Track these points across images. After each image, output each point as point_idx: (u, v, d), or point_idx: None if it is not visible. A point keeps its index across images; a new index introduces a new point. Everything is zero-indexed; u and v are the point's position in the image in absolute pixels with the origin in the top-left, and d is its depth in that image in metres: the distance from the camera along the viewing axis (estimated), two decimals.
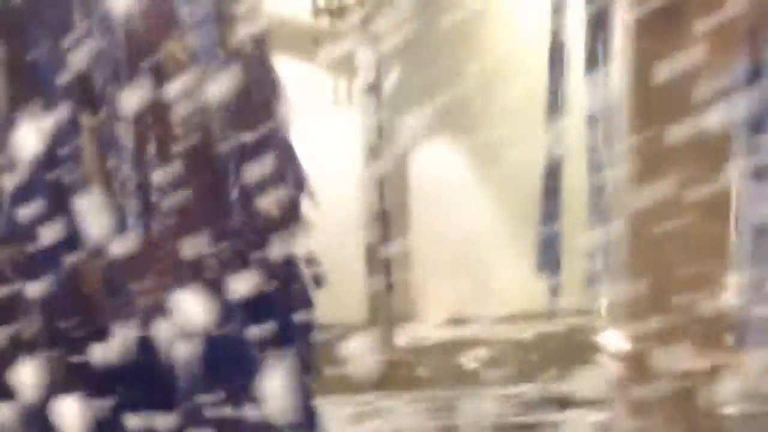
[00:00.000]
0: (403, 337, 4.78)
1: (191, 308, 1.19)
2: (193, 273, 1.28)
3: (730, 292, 1.33)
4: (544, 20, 3.58)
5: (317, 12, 4.39)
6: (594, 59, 3.14)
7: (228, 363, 1.15)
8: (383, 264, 4.43)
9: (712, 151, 1.31)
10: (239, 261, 1.36)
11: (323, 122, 4.53)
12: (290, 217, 1.53)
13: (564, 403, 3.45)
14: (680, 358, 1.37)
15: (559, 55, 3.46)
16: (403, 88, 4.38)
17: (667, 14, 1.23)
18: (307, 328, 1.50)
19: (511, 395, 3.57)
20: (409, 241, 4.78)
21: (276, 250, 1.46)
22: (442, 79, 4.16)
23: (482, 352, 4.26)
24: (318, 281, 1.58)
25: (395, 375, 4.07)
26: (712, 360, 1.33)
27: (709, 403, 1.44)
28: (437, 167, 4.83)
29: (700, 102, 1.27)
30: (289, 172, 1.53)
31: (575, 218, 3.51)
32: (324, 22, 4.39)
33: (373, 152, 4.53)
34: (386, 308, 4.38)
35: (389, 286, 4.22)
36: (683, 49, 1.13)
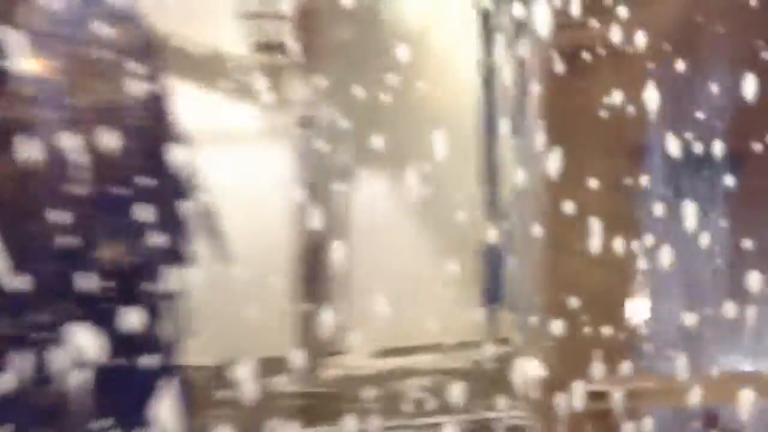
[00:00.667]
0: (332, 368, 4.76)
1: (82, 340, 1.21)
2: (82, 306, 1.31)
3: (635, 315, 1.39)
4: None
5: (252, 46, 4.42)
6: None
7: (118, 391, 1.18)
8: (311, 295, 4.42)
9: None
10: (124, 296, 1.40)
11: (257, 155, 4.53)
12: (170, 257, 1.59)
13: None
14: (592, 381, 1.41)
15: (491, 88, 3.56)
16: (337, 122, 4.42)
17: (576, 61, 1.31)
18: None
19: (443, 424, 3.58)
20: (340, 273, 4.78)
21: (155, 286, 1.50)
22: (378, 113, 4.22)
23: (417, 382, 4.27)
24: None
25: (320, 407, 4.04)
26: (622, 382, 1.38)
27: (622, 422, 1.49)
28: (370, 200, 4.87)
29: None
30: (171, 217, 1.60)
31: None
32: (258, 56, 4.41)
33: (307, 185, 4.55)
34: (312, 339, 4.36)
35: (317, 317, 4.21)
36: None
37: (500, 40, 3.33)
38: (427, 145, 4.45)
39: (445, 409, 3.77)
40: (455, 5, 4.31)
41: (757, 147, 1.61)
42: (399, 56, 4.39)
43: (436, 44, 4.81)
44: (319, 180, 4.55)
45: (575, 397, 1.52)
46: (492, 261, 3.80)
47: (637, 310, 1.43)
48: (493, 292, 3.76)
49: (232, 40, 4.51)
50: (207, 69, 4.43)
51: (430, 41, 4.96)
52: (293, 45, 4.33)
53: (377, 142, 4.33)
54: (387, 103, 4.13)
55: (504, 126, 3.39)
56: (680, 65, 1.40)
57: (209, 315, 1.89)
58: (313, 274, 4.47)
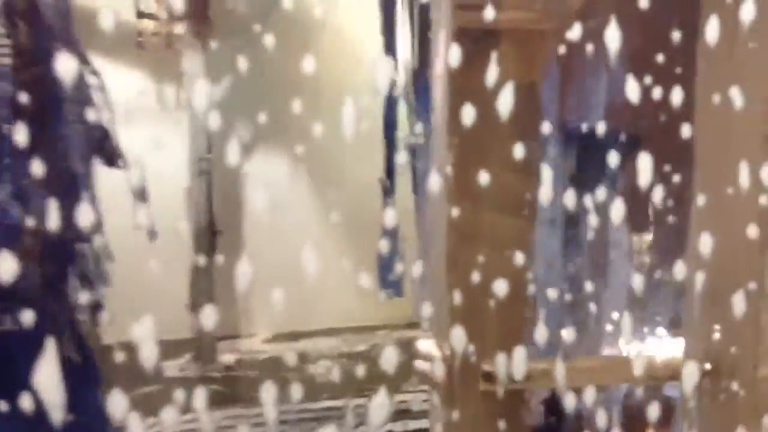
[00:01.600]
0: (229, 353, 4.66)
1: None
2: None
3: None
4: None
5: (141, 15, 4.22)
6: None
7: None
8: (208, 278, 4.30)
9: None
10: None
11: (149, 130, 4.35)
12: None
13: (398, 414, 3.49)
14: (493, 362, 1.39)
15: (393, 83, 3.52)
16: (234, 97, 4.29)
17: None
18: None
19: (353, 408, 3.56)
20: (236, 255, 4.66)
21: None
22: (277, 88, 4.12)
23: (315, 366, 4.23)
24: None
25: (216, 392, 3.95)
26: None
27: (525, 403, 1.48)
28: (269, 180, 4.77)
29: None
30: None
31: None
32: (150, 25, 4.22)
33: (202, 163, 4.41)
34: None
35: (212, 301, 4.09)
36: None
37: (402, 17, 3.29)
38: (330, 124, 4.40)
39: (344, 392, 3.76)
40: None
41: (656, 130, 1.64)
42: (300, 28, 4.30)
43: (340, 17, 4.73)
44: (214, 157, 4.41)
45: (473, 377, 1.51)
46: (392, 242, 3.79)
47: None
48: (394, 274, 3.75)
49: (124, 8, 4.31)
50: (99, 37, 4.21)
51: (333, 14, 4.89)
52: (189, 13, 4.16)
53: (276, 118, 4.23)
54: (286, 79, 4.03)
55: (405, 107, 3.36)
56: (585, 46, 1.39)
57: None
58: (208, 257, 4.34)
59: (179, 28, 4.16)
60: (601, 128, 1.87)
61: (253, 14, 4.00)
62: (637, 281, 1.44)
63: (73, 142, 1.71)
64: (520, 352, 1.24)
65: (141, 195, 1.97)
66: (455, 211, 1.40)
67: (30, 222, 1.54)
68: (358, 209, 3.98)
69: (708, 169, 1.44)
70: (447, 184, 1.40)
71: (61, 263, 1.72)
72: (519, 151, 1.28)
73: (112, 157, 1.87)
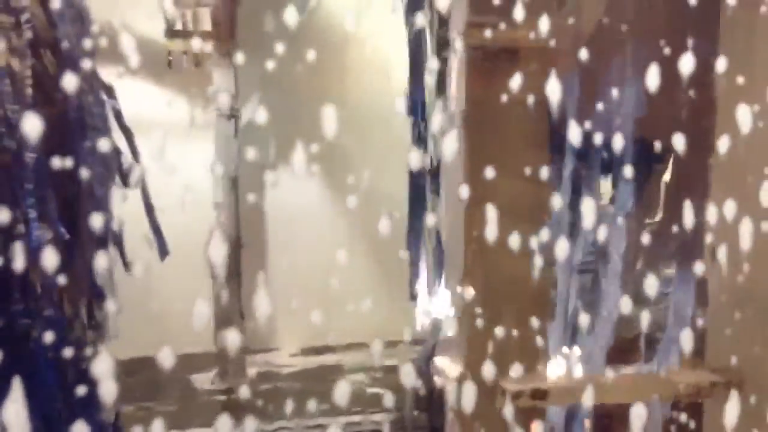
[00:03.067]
0: (256, 366, 4.69)
1: None
2: None
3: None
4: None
5: (171, 34, 4.29)
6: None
7: None
8: (236, 292, 4.33)
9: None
10: None
11: (177, 147, 4.41)
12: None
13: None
14: (510, 380, 1.40)
15: (421, 96, 3.55)
16: (262, 116, 4.34)
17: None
18: None
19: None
20: (264, 270, 4.70)
21: None
22: (304, 108, 4.16)
23: (344, 379, 4.24)
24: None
25: (245, 404, 3.97)
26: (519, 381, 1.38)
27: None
28: (296, 197, 4.81)
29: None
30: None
31: None
32: (179, 44, 4.29)
33: (230, 180, 4.45)
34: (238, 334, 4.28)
35: (241, 315, 4.12)
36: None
37: (426, 36, 3.33)
38: (357, 146, 4.43)
39: (375, 405, 3.77)
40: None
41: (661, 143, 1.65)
42: (329, 50, 4.35)
43: (366, 39, 4.78)
44: (242, 174, 4.46)
45: (472, 394, 1.52)
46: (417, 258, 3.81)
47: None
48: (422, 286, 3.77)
49: (156, 27, 4.38)
50: (124, 55, 4.28)
51: (360, 37, 4.93)
52: (217, 32, 4.22)
53: (302, 136, 4.26)
54: (313, 98, 4.07)
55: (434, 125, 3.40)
56: (593, 64, 1.42)
57: (132, 309, 1.85)
58: (235, 271, 4.38)
59: (208, 47, 4.22)
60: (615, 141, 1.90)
61: (280, 33, 4.05)
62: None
63: (88, 164, 1.77)
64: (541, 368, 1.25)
65: (151, 213, 2.02)
66: (474, 231, 1.42)
67: (49, 239, 1.59)
68: (389, 225, 3.99)
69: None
70: (464, 201, 1.42)
71: (81, 277, 1.77)
72: (531, 163, 1.31)
73: (126, 178, 1.93)
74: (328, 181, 4.96)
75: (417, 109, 3.44)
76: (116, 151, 1.95)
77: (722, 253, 1.33)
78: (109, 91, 1.96)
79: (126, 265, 1.90)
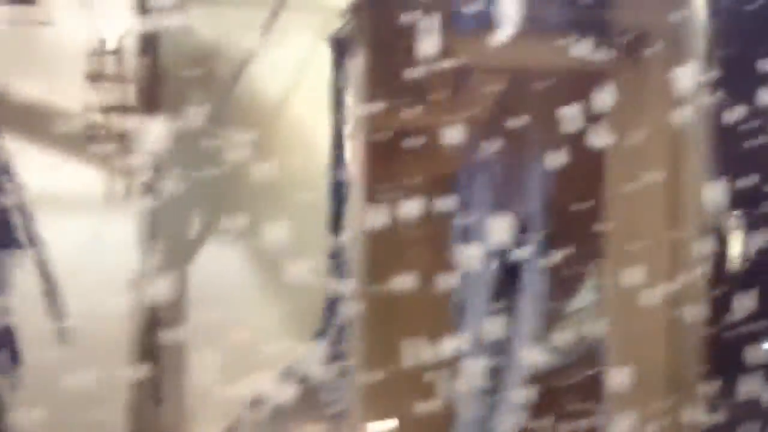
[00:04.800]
0: None
1: None
2: None
3: None
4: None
5: (92, 108, 4.23)
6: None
7: None
8: (153, 373, 4.16)
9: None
10: None
11: (95, 221, 4.30)
12: None
13: None
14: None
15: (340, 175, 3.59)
16: (182, 188, 4.28)
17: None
18: None
19: None
20: (184, 348, 4.56)
21: None
22: (224, 180, 4.13)
23: None
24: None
25: None
26: None
27: None
28: (217, 270, 4.72)
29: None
30: None
31: None
32: (100, 118, 4.23)
33: (149, 253, 4.34)
34: (154, 421, 4.09)
35: (158, 398, 3.96)
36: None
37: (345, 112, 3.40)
38: (278, 211, 4.40)
39: None
40: (313, 78, 4.36)
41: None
42: (251, 124, 4.36)
43: (291, 113, 4.81)
44: (163, 246, 4.36)
45: None
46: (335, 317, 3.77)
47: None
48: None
49: (78, 101, 4.32)
50: (48, 129, 4.21)
51: (286, 111, 4.96)
52: (140, 108, 4.19)
53: (225, 209, 4.22)
54: (236, 171, 4.07)
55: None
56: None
57: (42, 388, 1.75)
58: (152, 347, 4.22)
59: (131, 121, 4.18)
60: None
61: (204, 108, 4.05)
62: None
63: None
64: None
65: (50, 292, 1.94)
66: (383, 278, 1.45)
67: None
68: (309, 293, 3.95)
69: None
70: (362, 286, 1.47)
71: None
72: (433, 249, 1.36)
73: (13, 242, 1.86)
74: (251, 257, 4.89)
75: (336, 191, 3.45)
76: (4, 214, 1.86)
77: None
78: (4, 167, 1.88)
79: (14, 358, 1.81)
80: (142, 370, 4.10)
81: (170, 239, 4.33)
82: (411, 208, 1.43)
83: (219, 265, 4.63)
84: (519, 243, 2.04)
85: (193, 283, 4.74)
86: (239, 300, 4.73)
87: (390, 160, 1.46)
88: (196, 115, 3.87)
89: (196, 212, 4.33)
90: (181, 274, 4.68)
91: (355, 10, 1.49)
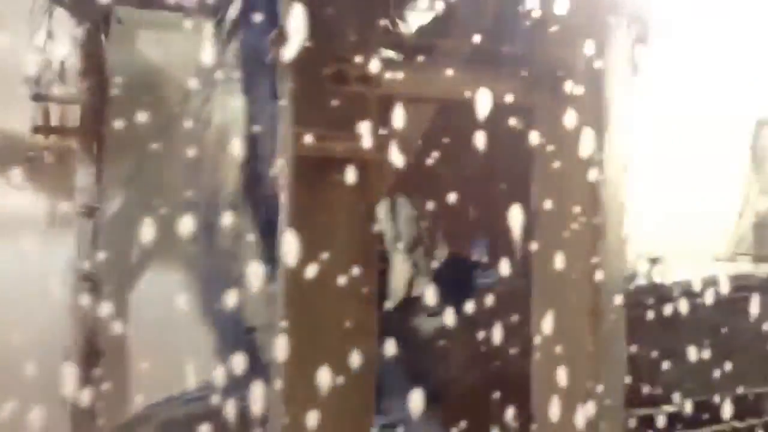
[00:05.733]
0: None
1: None
2: None
3: None
4: None
5: (35, 130, 4.19)
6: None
7: None
8: (90, 405, 4.09)
9: None
10: None
11: (35, 244, 4.22)
12: None
13: None
14: None
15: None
16: (124, 211, 4.24)
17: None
18: None
19: None
20: (124, 379, 4.49)
21: None
22: (167, 202, 4.09)
23: None
24: None
25: None
26: None
27: None
28: (159, 296, 4.66)
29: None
30: None
31: None
32: (42, 140, 4.19)
33: (89, 278, 4.28)
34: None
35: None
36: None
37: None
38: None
39: None
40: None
41: None
42: (197, 144, 4.34)
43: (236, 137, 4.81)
44: (102, 270, 4.30)
45: None
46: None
47: None
48: None
49: (19, 122, 4.27)
50: None
51: (232, 135, 4.96)
52: (83, 129, 4.16)
53: (166, 235, 4.18)
54: (179, 195, 4.04)
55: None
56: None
57: None
58: (90, 366, 4.15)
59: (72, 144, 4.14)
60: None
61: (148, 130, 4.04)
62: None
63: None
64: None
65: None
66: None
67: None
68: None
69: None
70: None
71: None
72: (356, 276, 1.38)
73: None
74: (195, 280, 4.85)
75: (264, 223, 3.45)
76: None
77: None
78: None
79: None
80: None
81: (112, 262, 4.28)
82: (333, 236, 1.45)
83: (160, 288, 4.58)
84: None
85: (133, 307, 4.68)
86: (181, 331, 4.68)
87: (316, 189, 1.48)
88: (140, 136, 3.86)
89: (138, 234, 4.30)
90: (121, 298, 4.63)
91: (279, 37, 1.52)
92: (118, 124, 4.13)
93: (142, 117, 4.27)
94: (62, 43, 4.24)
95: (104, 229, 4.27)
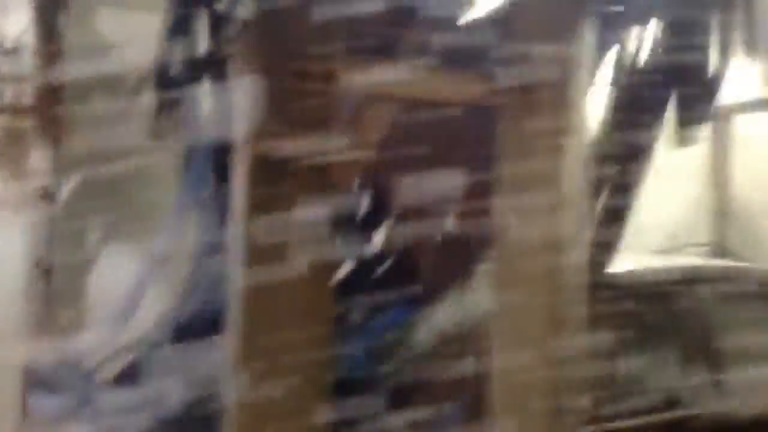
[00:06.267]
0: None
1: None
2: None
3: None
4: None
5: None
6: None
7: None
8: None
9: None
10: None
11: None
12: None
13: None
14: None
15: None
16: (82, 194, 4.14)
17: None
18: None
19: None
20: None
21: None
22: (125, 183, 4.02)
23: None
24: None
25: None
26: None
27: None
28: (120, 278, 4.58)
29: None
30: None
31: None
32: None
33: (44, 263, 4.18)
34: None
35: None
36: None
37: None
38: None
39: None
40: None
41: None
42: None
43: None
44: (59, 255, 4.21)
45: None
46: None
47: None
48: None
49: None
50: None
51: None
52: (37, 110, 4.04)
53: (124, 215, 4.11)
54: (135, 177, 3.97)
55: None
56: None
57: None
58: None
59: (27, 124, 4.02)
60: None
61: (103, 112, 3.94)
62: None
63: None
64: None
65: None
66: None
67: None
68: None
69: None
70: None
71: None
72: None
73: None
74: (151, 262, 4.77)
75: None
76: None
77: None
78: None
79: None
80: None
81: (68, 247, 4.18)
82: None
83: (117, 271, 4.50)
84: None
85: (94, 295, 4.60)
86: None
87: (276, 185, 1.45)
88: (96, 118, 3.76)
89: (95, 219, 4.20)
90: (78, 283, 4.54)
91: (244, 28, 1.48)
92: (75, 103, 4.02)
93: (100, 97, 4.17)
94: (17, 19, 4.11)
95: (60, 213, 4.17)
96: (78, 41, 4.11)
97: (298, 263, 1.43)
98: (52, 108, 4.07)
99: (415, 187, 1.87)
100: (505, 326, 1.72)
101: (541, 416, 1.58)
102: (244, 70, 1.47)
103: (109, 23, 4.26)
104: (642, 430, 2.51)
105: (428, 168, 1.81)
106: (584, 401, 1.83)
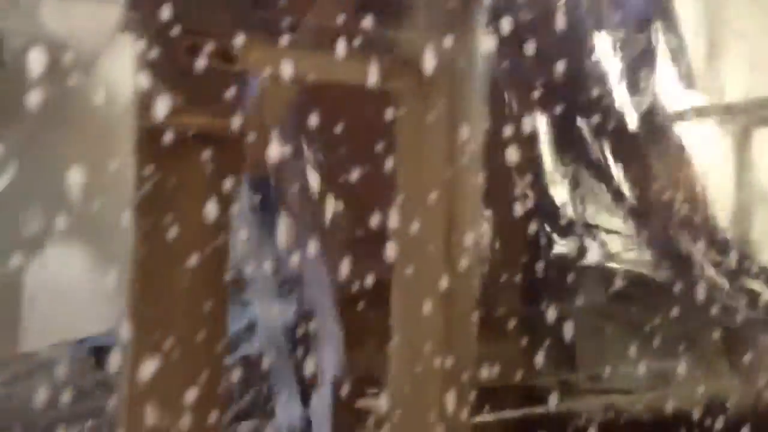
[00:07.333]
0: None
1: None
2: None
3: None
4: None
5: None
6: None
7: None
8: None
9: None
10: None
11: None
12: None
13: None
14: None
15: None
16: (18, 188, 4.09)
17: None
18: None
19: None
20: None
21: None
22: (60, 176, 3.96)
23: None
24: None
25: None
26: None
27: None
28: (57, 275, 4.53)
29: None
30: None
31: None
32: None
33: None
34: None
35: None
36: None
37: None
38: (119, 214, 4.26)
39: None
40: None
41: None
42: (91, 116, 4.22)
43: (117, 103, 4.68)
44: None
45: None
46: None
47: None
48: None
49: None
50: None
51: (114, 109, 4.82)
52: None
53: (59, 206, 4.06)
54: (71, 165, 3.90)
55: None
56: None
57: None
58: None
59: None
60: None
61: (38, 97, 3.89)
62: None
63: None
64: None
65: None
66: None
67: None
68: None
69: None
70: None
71: None
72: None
73: None
74: (90, 253, 4.73)
75: None
76: None
77: None
78: None
79: None
80: None
81: (5, 239, 4.13)
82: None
83: (57, 265, 4.45)
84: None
85: (30, 293, 4.54)
86: (78, 305, 4.57)
87: (167, 165, 1.43)
88: (38, 108, 3.72)
89: (33, 210, 4.16)
90: (16, 277, 4.47)
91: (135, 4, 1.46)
92: (12, 91, 3.96)
93: (38, 85, 4.12)
94: None
95: None
96: (17, 26, 4.07)
97: (189, 246, 1.41)
98: None
99: (311, 173, 1.88)
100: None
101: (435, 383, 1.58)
102: (134, 38, 1.45)
103: (53, 14, 4.21)
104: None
105: (331, 154, 1.81)
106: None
